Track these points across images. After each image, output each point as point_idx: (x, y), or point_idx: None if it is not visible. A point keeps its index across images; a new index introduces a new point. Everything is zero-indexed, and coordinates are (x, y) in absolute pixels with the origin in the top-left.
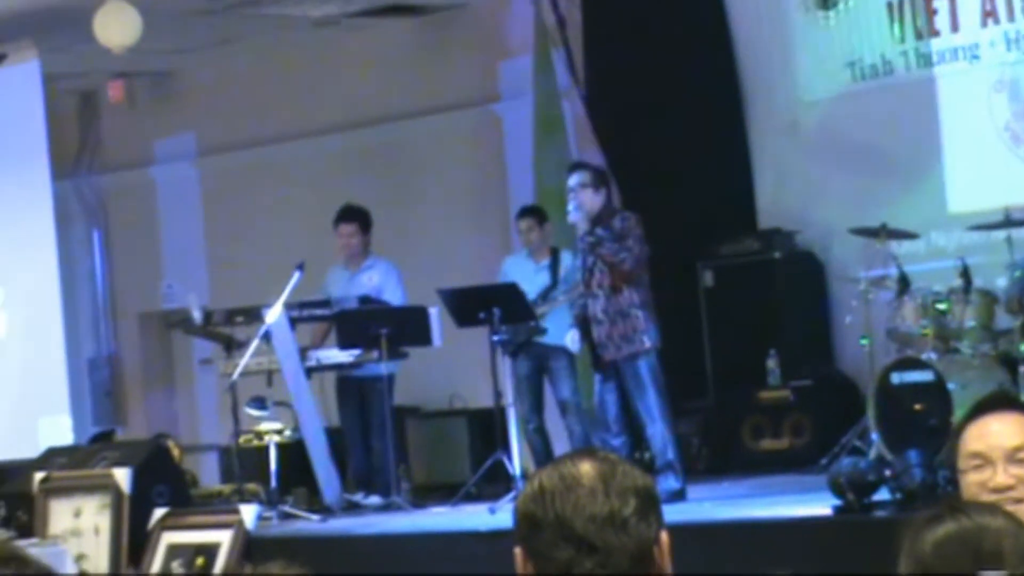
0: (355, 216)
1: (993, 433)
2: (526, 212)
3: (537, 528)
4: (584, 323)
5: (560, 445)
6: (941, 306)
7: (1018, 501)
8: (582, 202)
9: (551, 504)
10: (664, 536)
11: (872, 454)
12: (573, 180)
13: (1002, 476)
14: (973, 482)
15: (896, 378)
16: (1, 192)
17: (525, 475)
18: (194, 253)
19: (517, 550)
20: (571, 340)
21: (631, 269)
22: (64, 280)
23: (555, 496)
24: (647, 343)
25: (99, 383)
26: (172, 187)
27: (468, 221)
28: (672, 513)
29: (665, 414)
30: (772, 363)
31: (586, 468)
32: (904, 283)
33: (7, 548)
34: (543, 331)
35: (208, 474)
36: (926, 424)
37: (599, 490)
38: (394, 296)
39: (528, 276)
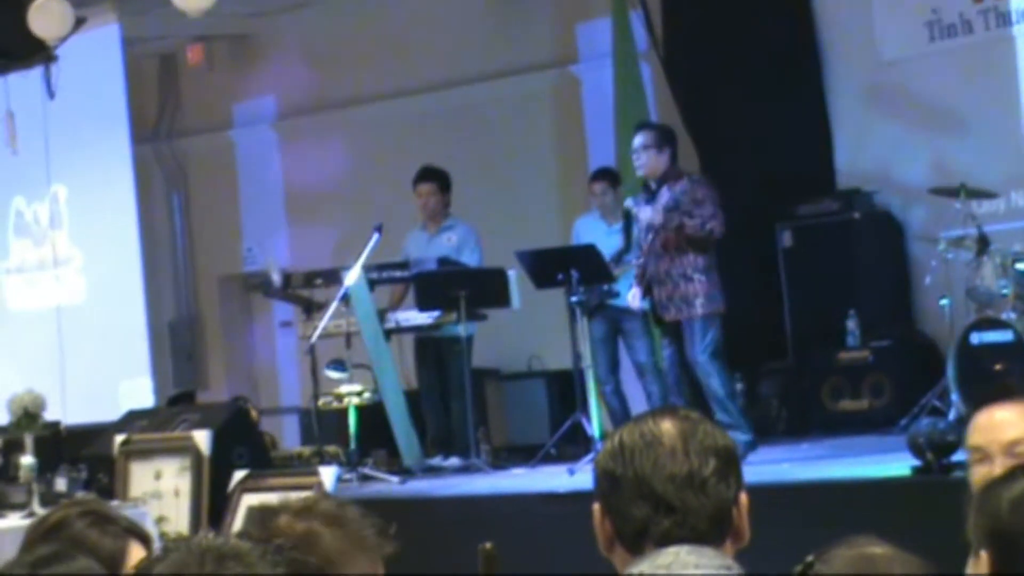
0: (433, 176)
1: (992, 426)
2: (600, 175)
3: (616, 486)
4: (643, 280)
5: (637, 407)
6: (1020, 266)
7: None
8: (644, 163)
9: (630, 462)
10: (743, 497)
11: (952, 414)
12: (636, 141)
13: (999, 471)
14: (976, 476)
15: (976, 338)
16: (83, 156)
17: (604, 437)
18: (274, 216)
19: (596, 507)
20: (632, 297)
21: (720, 235)
22: (145, 243)
23: (635, 454)
24: (708, 308)
25: (180, 346)
26: (252, 150)
27: (547, 183)
28: (751, 474)
29: (722, 376)
30: (851, 324)
31: (667, 426)
32: (983, 243)
33: (95, 504)
34: (616, 294)
35: (288, 436)
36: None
37: (679, 449)
38: (471, 258)
39: (601, 238)
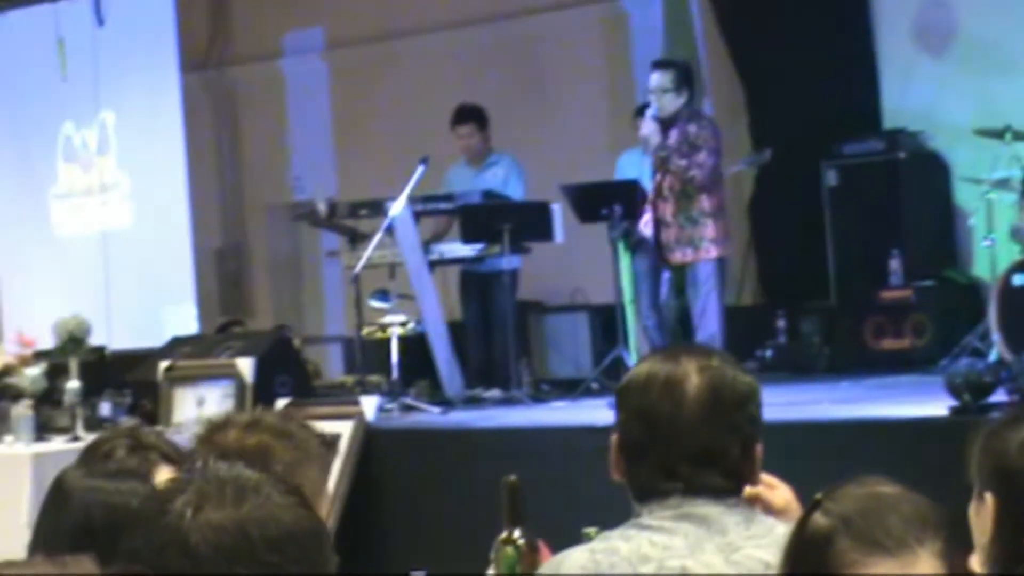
0: (470, 116)
1: None
2: (644, 110)
3: (633, 449)
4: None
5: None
6: None
7: None
8: (663, 106)
9: (652, 429)
10: (759, 450)
11: (992, 356)
12: (654, 81)
13: None
14: None
15: (1018, 279)
16: (131, 82)
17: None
18: (322, 145)
19: (614, 439)
20: (644, 224)
21: (700, 184)
22: (193, 171)
23: (658, 422)
24: (713, 252)
25: (226, 273)
26: (301, 80)
27: (594, 118)
28: (790, 412)
29: (714, 319)
30: (895, 263)
31: (693, 386)
32: None
33: (136, 432)
34: None
35: (332, 365)
36: None
37: (702, 421)
38: (515, 191)
39: (644, 173)
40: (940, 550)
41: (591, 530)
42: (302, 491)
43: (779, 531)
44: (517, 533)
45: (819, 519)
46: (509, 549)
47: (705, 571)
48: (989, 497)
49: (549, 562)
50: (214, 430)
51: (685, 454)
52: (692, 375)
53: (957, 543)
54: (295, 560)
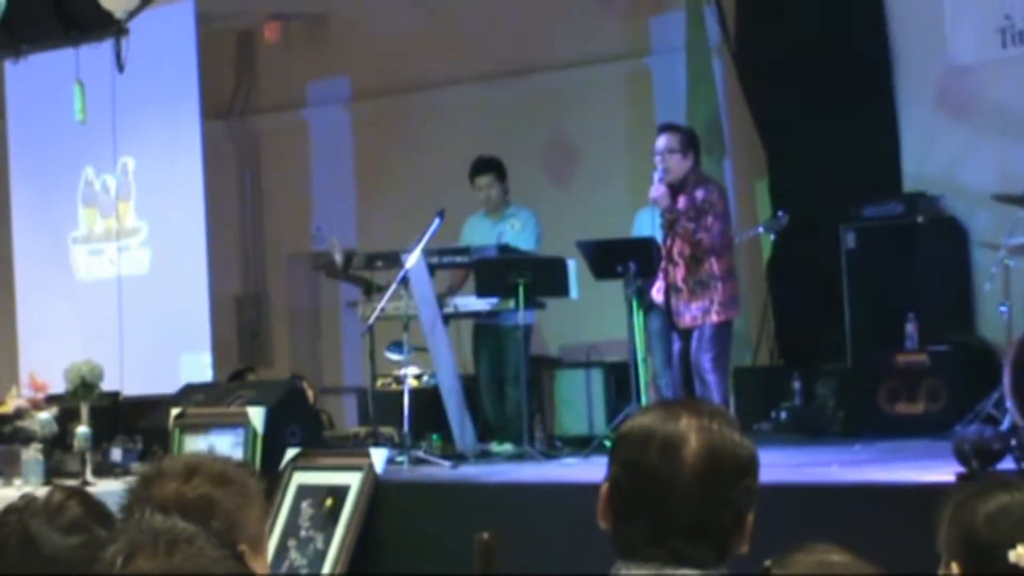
0: (488, 167)
1: None
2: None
3: (624, 512)
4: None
5: None
6: None
7: None
8: (669, 167)
9: (644, 495)
10: (750, 519)
11: (1005, 423)
12: (661, 144)
13: None
14: None
15: None
16: (152, 129)
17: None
18: (343, 196)
19: (604, 490)
20: (656, 291)
21: (708, 247)
22: (214, 219)
23: (651, 486)
24: (723, 316)
25: (246, 322)
26: (324, 130)
27: (614, 175)
28: (798, 474)
29: (719, 380)
30: (911, 327)
31: (692, 449)
32: None
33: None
34: None
35: (348, 416)
36: None
37: (697, 491)
38: (526, 244)
39: (659, 231)
40: None
41: None
42: (236, 545)
43: None
44: None
45: None
46: None
47: None
48: (955, 566)
49: None
50: (149, 482)
51: (676, 525)
52: (691, 437)
53: None
54: None
